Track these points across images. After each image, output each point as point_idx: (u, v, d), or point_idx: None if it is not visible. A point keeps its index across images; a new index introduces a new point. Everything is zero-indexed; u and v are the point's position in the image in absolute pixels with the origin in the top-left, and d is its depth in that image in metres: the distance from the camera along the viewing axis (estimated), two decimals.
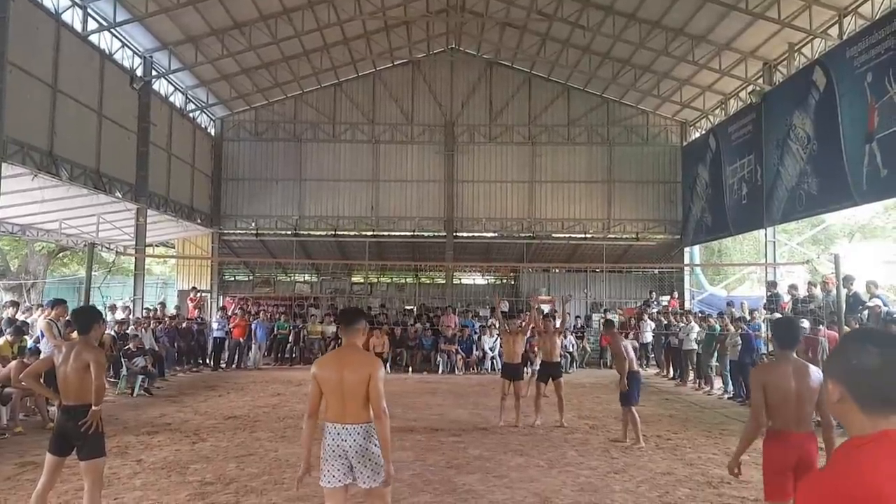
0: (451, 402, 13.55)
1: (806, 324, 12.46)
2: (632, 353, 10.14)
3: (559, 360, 11.74)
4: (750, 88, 19.56)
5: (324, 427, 4.56)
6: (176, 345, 18.32)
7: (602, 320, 16.53)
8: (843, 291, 11.65)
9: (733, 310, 17.17)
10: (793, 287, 15.75)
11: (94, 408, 5.30)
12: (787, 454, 4.62)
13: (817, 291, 14.23)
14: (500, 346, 17.98)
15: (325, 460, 4.45)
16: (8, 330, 12.32)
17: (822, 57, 16.02)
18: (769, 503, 4.80)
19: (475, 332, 20.45)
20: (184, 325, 19.17)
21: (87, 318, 5.59)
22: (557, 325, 12.44)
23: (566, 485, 7.37)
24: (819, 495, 1.72)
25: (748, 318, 15.40)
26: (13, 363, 10.64)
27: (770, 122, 18.34)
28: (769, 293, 16.58)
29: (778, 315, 14.39)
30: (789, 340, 4.88)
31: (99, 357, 5.35)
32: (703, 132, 23.75)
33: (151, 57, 19.45)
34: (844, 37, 15.29)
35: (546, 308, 18.52)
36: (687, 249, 25.94)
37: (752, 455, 8.81)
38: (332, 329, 21.50)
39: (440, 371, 19.27)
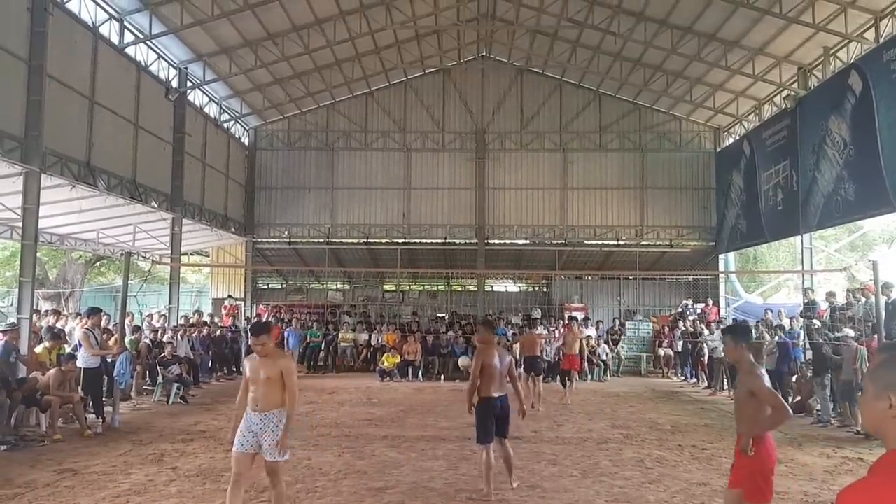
0: None
1: (850, 332, 12.25)
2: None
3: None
4: (784, 93, 19.27)
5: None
6: (210, 353, 18.48)
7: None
8: (882, 299, 11.43)
9: (770, 317, 16.83)
10: (830, 294, 15.48)
11: None
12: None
13: (855, 299, 13.96)
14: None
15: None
16: (47, 336, 12.56)
17: (858, 61, 15.75)
18: None
19: (508, 340, 20.32)
20: (217, 333, 19.35)
21: None
22: None
23: (600, 495, 7.30)
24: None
25: (787, 326, 15.12)
26: (52, 371, 10.82)
27: (805, 128, 18.07)
28: (806, 300, 16.31)
29: (816, 322, 14.17)
30: None
31: None
32: (737, 138, 23.50)
33: (186, 68, 19.75)
34: (881, 40, 15.04)
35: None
36: (722, 256, 25.62)
37: (790, 466, 8.75)
38: (364, 336, 21.53)
39: None
